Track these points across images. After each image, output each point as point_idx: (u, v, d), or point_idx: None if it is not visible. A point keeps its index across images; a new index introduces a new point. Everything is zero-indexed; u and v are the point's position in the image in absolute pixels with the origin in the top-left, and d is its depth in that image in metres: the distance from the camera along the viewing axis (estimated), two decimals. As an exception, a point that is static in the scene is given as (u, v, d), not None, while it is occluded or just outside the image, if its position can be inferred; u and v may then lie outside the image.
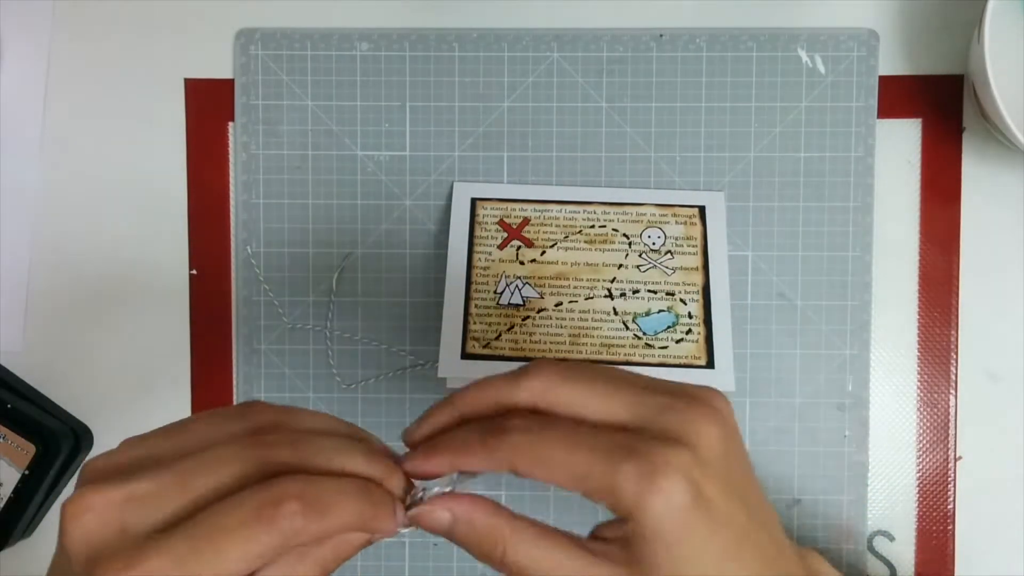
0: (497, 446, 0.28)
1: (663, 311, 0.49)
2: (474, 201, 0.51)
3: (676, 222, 0.50)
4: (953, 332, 0.51)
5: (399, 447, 0.53)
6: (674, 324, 0.49)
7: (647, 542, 0.27)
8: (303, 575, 0.28)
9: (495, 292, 0.49)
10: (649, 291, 0.49)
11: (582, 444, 0.28)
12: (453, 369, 0.48)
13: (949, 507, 0.51)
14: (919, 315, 0.51)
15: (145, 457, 0.27)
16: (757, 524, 0.29)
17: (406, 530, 0.30)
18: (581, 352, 0.48)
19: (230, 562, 0.25)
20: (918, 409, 0.51)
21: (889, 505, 0.51)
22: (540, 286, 0.49)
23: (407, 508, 0.30)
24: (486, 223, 0.50)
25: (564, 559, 0.28)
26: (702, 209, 0.51)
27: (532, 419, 0.29)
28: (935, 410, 0.51)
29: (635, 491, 0.26)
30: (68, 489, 0.52)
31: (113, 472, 0.27)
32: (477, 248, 0.50)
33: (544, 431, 0.28)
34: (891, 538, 0.51)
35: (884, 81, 0.51)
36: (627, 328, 0.49)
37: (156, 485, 0.26)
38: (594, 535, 0.29)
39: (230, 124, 0.52)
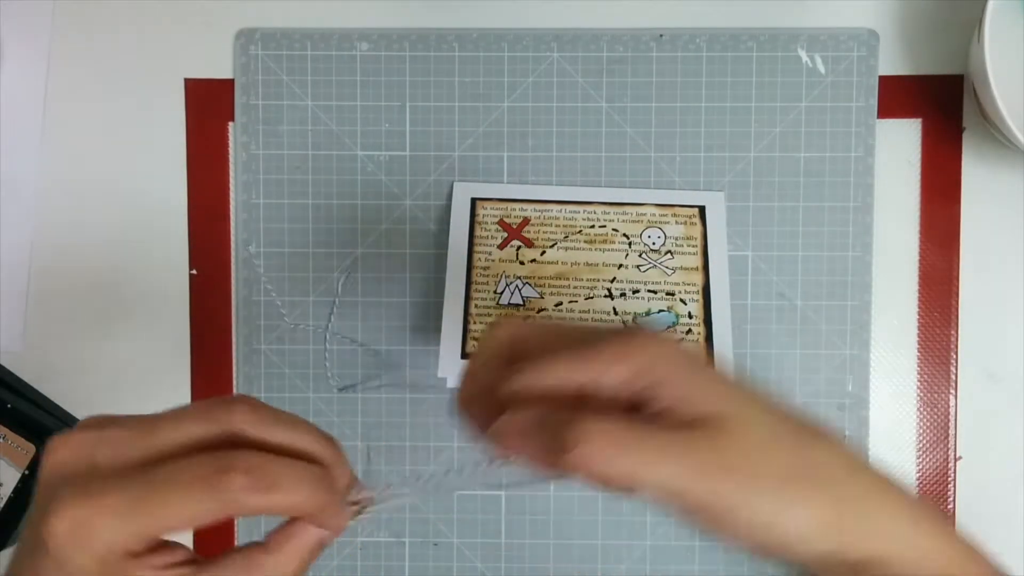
0: (557, 351, 0.29)
1: (663, 311, 0.49)
2: (474, 201, 0.51)
3: (676, 222, 0.50)
4: (953, 332, 0.51)
5: (400, 447, 0.53)
6: (674, 324, 0.49)
7: (693, 399, 0.28)
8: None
9: (495, 292, 0.49)
10: (649, 291, 0.49)
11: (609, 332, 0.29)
12: (453, 369, 0.48)
13: (949, 507, 0.51)
14: (919, 315, 0.51)
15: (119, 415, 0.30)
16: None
17: (354, 521, 0.30)
18: (581, 352, 0.48)
19: (170, 517, 0.26)
20: (918, 409, 0.51)
21: (889, 505, 0.51)
22: (540, 286, 0.49)
23: (352, 504, 0.30)
24: (486, 223, 0.50)
25: (643, 430, 0.28)
26: (702, 209, 0.51)
27: (575, 330, 0.30)
28: (935, 410, 0.51)
29: (659, 351, 0.29)
30: (68, 489, 0.52)
31: (97, 423, 0.30)
32: (477, 248, 0.50)
33: (583, 334, 0.29)
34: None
35: (884, 81, 0.51)
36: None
37: (127, 431, 0.29)
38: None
39: (230, 124, 0.52)
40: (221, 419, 0.29)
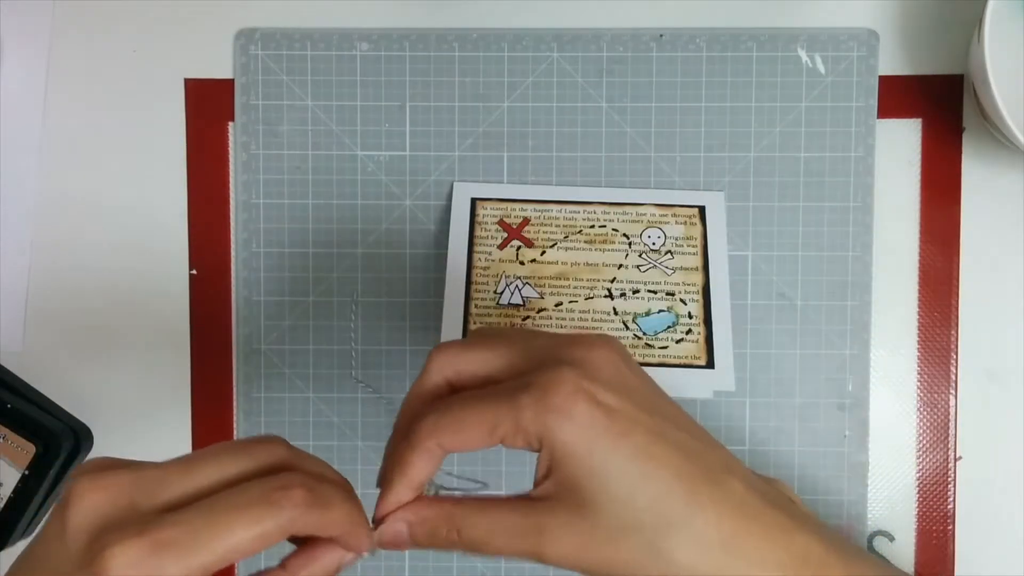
0: (419, 439, 0.30)
1: (663, 311, 0.49)
2: (474, 201, 0.51)
3: (676, 222, 0.50)
4: (953, 332, 0.51)
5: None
6: (674, 324, 0.49)
7: (564, 465, 0.29)
8: None
9: (495, 292, 0.49)
10: (649, 291, 0.49)
11: (485, 399, 0.29)
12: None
13: (949, 507, 0.51)
14: (919, 315, 0.51)
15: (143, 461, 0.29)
16: (668, 424, 0.30)
17: (367, 554, 0.32)
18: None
19: (236, 538, 0.26)
20: (918, 409, 0.51)
21: (889, 505, 0.51)
22: (540, 286, 0.49)
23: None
24: (486, 223, 0.50)
25: (512, 517, 0.30)
26: (702, 209, 0.51)
27: (438, 402, 0.31)
28: (935, 410, 0.51)
29: (536, 418, 0.28)
30: (68, 489, 0.52)
31: (116, 464, 0.29)
32: (477, 248, 0.50)
33: (449, 403, 0.30)
34: (891, 538, 0.51)
35: (884, 81, 0.51)
36: (627, 328, 0.49)
37: (163, 471, 0.28)
38: (534, 485, 0.31)
39: (230, 124, 0.52)
40: (259, 454, 0.29)
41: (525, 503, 0.30)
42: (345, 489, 0.31)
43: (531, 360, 0.30)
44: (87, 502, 0.27)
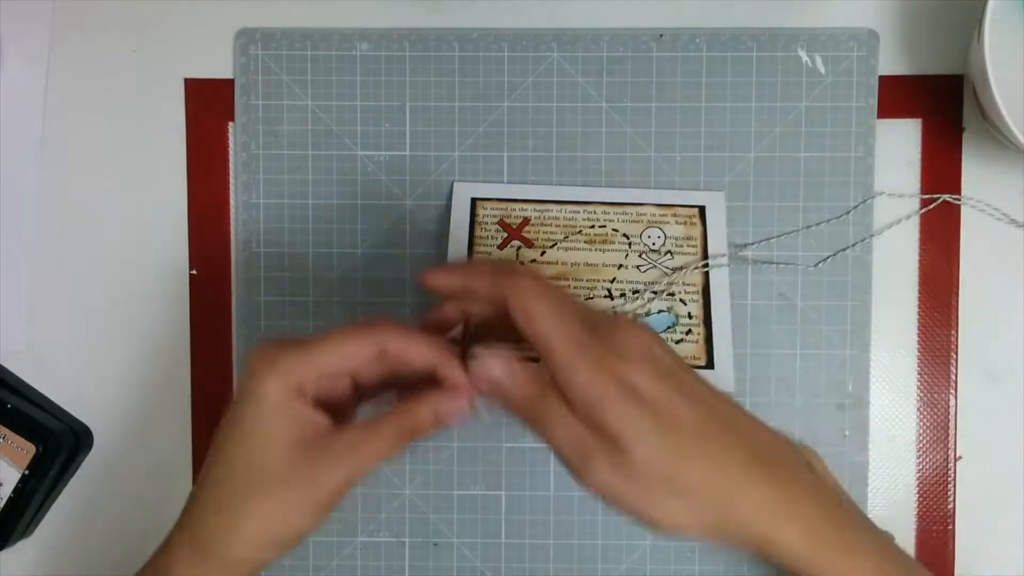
0: (502, 281, 0.36)
1: (663, 311, 0.49)
2: (474, 201, 0.51)
3: (676, 222, 0.50)
4: (953, 332, 0.51)
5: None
6: (674, 324, 0.49)
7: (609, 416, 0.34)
8: (384, 437, 0.37)
9: (495, 292, 0.49)
10: (649, 292, 0.49)
11: (566, 315, 0.35)
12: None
13: (949, 507, 0.51)
14: (919, 315, 0.51)
15: None
16: (689, 398, 0.35)
17: (468, 407, 0.38)
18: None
19: (336, 352, 0.37)
20: (918, 409, 0.51)
21: (889, 505, 0.51)
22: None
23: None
24: (486, 223, 0.50)
25: (574, 423, 0.35)
26: (702, 209, 0.51)
27: (540, 278, 0.36)
28: (935, 410, 0.51)
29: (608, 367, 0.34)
30: (68, 489, 0.52)
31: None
32: (477, 248, 0.50)
33: (547, 288, 0.36)
34: (891, 538, 0.51)
35: (884, 81, 0.51)
36: (627, 328, 0.48)
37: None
38: None
39: (230, 124, 0.52)
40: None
41: (590, 426, 0.35)
42: (435, 337, 0.39)
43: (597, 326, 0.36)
44: (250, 353, 0.38)
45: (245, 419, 0.37)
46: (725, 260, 0.50)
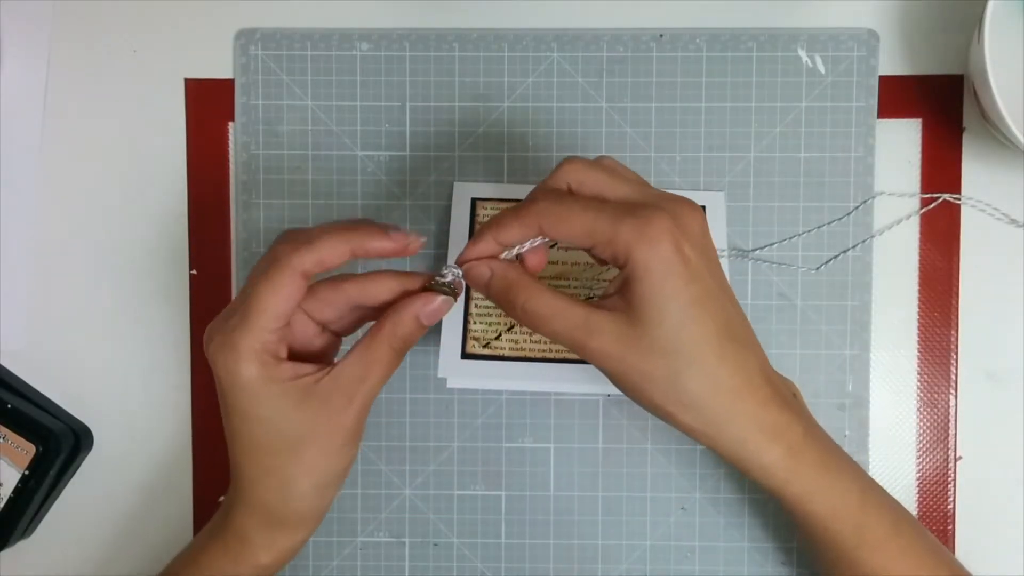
0: (527, 214, 0.37)
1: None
2: (474, 201, 0.51)
3: (676, 222, 0.50)
4: (953, 332, 0.51)
5: (400, 447, 0.53)
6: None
7: (637, 280, 0.35)
8: (381, 357, 0.38)
9: (495, 292, 0.49)
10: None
11: (592, 208, 0.36)
12: (453, 369, 0.48)
13: (949, 507, 0.51)
14: (919, 315, 0.51)
15: None
16: (723, 293, 0.38)
17: (441, 299, 0.39)
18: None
19: (322, 250, 0.38)
20: (918, 409, 0.51)
21: (889, 505, 0.51)
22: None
23: (434, 286, 0.39)
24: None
25: (575, 310, 0.37)
26: (702, 209, 0.51)
27: (554, 193, 0.38)
28: (935, 410, 0.51)
29: (630, 240, 0.35)
30: (68, 489, 0.52)
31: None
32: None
33: (564, 199, 0.37)
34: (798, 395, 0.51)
35: (884, 81, 0.51)
36: (627, 328, 0.48)
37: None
38: (603, 297, 0.38)
39: (230, 124, 0.52)
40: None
41: (588, 305, 0.37)
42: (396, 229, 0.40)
43: (641, 196, 0.37)
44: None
45: (239, 405, 0.38)
46: (725, 254, 0.50)
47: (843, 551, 0.40)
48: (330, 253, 0.38)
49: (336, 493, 0.41)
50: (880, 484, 0.43)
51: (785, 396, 0.39)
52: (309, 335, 0.41)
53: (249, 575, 0.42)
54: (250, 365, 0.37)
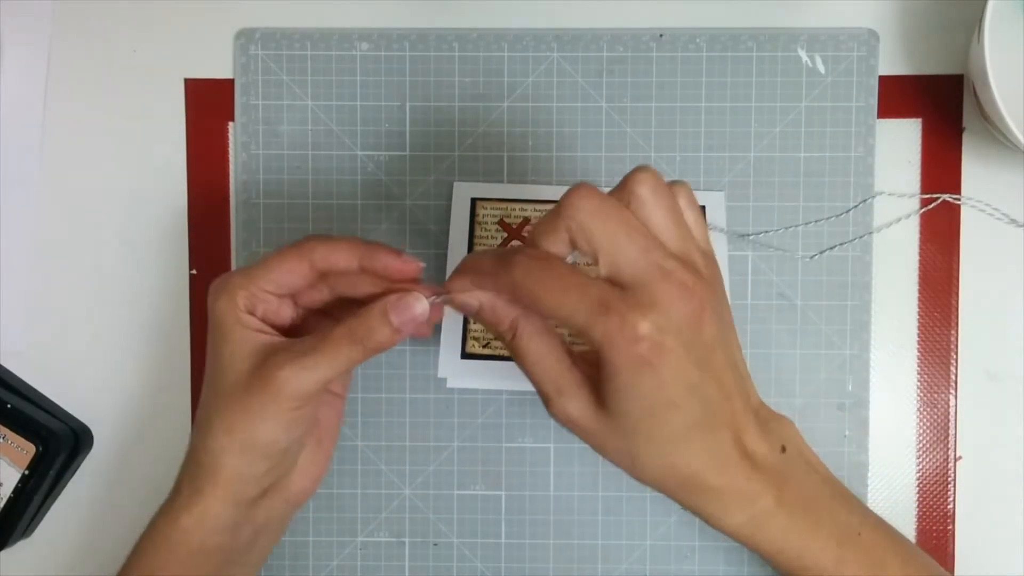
0: (504, 274, 0.35)
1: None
2: (474, 201, 0.51)
3: (676, 222, 0.50)
4: (953, 332, 0.51)
5: (400, 447, 0.53)
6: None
7: (605, 375, 0.34)
8: (337, 341, 0.38)
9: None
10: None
11: (572, 291, 0.34)
12: (453, 369, 0.48)
13: (949, 507, 0.51)
14: (919, 315, 0.51)
15: None
16: (706, 372, 0.35)
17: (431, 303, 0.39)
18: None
19: (275, 270, 0.40)
20: (918, 409, 0.51)
21: (889, 505, 0.51)
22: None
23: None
24: (486, 223, 0.50)
25: (553, 355, 0.36)
26: (702, 209, 0.51)
27: (535, 261, 0.35)
28: (935, 410, 0.51)
29: (601, 340, 0.33)
30: (68, 489, 0.52)
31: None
32: (477, 248, 0.50)
33: (545, 269, 0.34)
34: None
35: (884, 81, 0.51)
36: (627, 328, 0.48)
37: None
38: (580, 353, 0.37)
39: (230, 124, 0.52)
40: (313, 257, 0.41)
41: (568, 354, 0.37)
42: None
43: (634, 273, 0.34)
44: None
45: (214, 341, 0.40)
46: (724, 238, 0.50)
47: None
48: (341, 255, 0.40)
49: (268, 467, 0.40)
50: (876, 523, 0.41)
51: (761, 460, 0.38)
52: (282, 308, 0.42)
53: (175, 539, 0.41)
54: (230, 305, 0.39)
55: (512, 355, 0.37)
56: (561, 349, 0.37)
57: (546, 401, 0.37)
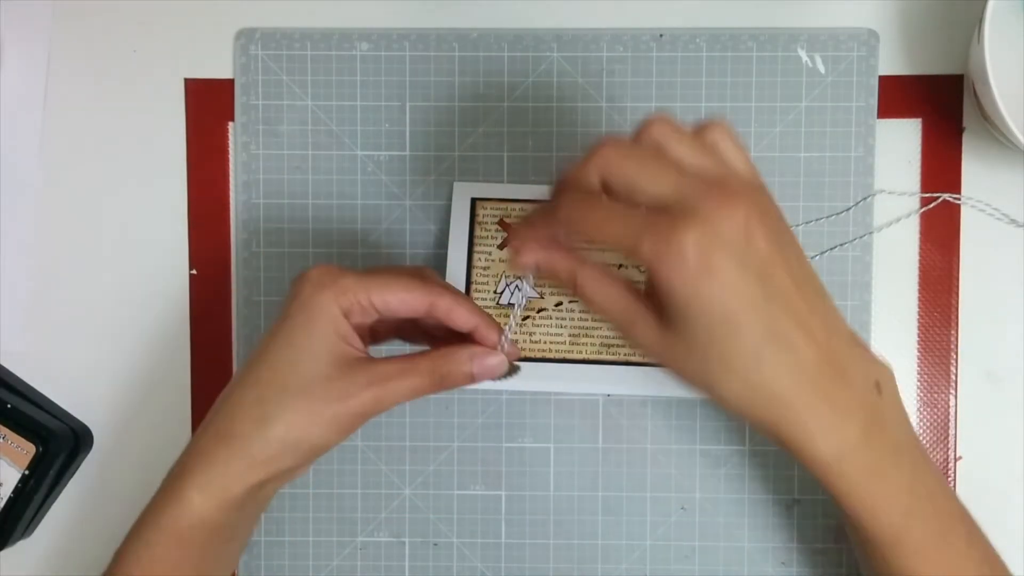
0: (553, 219, 0.36)
1: (663, 311, 0.49)
2: (474, 201, 0.51)
3: (676, 222, 0.50)
4: (953, 332, 0.51)
5: (400, 447, 0.53)
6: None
7: (663, 297, 0.34)
8: (418, 373, 0.40)
9: (495, 292, 0.49)
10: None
11: (614, 217, 0.35)
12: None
13: (949, 507, 0.51)
14: (919, 315, 0.51)
15: None
16: (769, 287, 0.34)
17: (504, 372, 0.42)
18: (581, 352, 0.48)
19: (387, 289, 0.40)
20: (918, 409, 0.51)
21: (889, 505, 0.51)
22: (540, 286, 0.49)
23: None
24: (486, 223, 0.50)
25: (616, 293, 0.37)
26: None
27: (577, 197, 0.36)
28: (935, 410, 0.51)
29: (651, 259, 0.33)
30: (68, 489, 0.52)
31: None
32: (477, 248, 0.50)
33: (585, 204, 0.35)
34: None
35: (884, 81, 0.51)
36: (627, 328, 0.48)
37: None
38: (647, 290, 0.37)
39: (230, 124, 0.52)
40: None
41: (632, 291, 0.37)
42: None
43: (675, 193, 0.34)
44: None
45: (296, 326, 0.39)
46: None
47: (877, 551, 0.39)
48: (460, 317, 0.41)
49: (294, 465, 0.40)
50: (952, 494, 0.41)
51: (851, 389, 0.37)
52: (367, 320, 0.41)
53: (173, 522, 0.40)
54: (333, 303, 0.39)
55: (583, 303, 0.38)
56: (623, 286, 0.37)
57: (624, 336, 0.38)
